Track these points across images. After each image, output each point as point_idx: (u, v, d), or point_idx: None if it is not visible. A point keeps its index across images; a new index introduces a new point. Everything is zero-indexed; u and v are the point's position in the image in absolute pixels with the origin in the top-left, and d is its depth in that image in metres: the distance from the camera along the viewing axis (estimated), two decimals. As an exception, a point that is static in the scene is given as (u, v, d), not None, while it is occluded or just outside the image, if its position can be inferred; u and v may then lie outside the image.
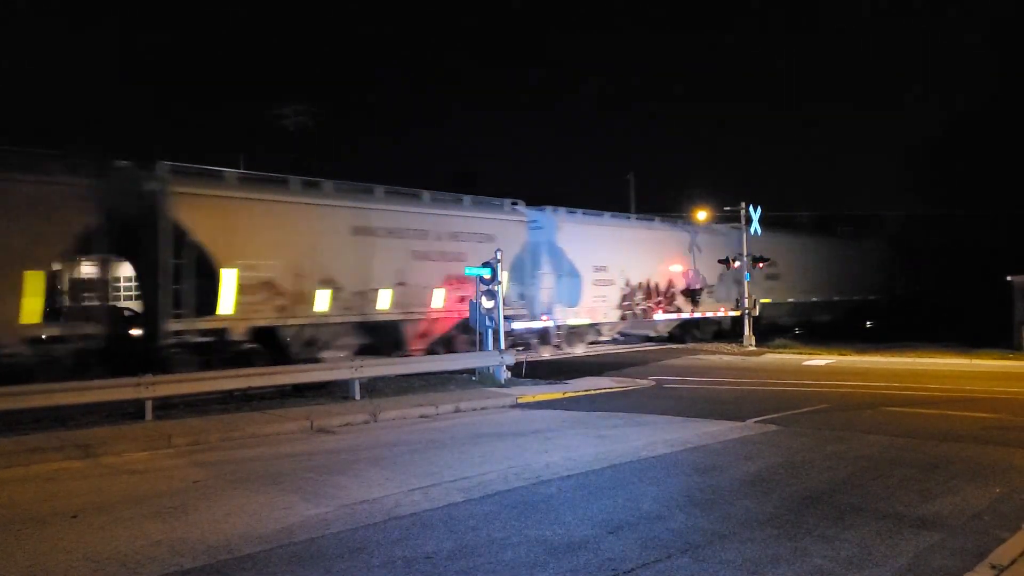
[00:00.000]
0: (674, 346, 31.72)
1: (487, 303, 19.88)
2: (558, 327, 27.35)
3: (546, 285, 26.61)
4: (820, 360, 25.68)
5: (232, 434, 12.92)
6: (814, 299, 39.69)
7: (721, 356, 28.12)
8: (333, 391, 17.13)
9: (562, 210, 28.03)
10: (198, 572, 6.51)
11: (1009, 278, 28.58)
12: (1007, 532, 7.28)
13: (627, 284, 29.53)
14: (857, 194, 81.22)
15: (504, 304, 20.33)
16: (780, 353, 28.68)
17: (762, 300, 33.64)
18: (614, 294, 29.08)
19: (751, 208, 33.01)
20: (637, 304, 29.62)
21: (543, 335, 27.06)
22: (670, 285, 31.72)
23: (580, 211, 29.11)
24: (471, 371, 19.91)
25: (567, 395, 17.87)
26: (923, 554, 6.74)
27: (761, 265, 32.26)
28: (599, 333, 29.71)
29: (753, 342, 31.05)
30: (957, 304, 40.40)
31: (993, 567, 6.37)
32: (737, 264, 31.73)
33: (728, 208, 34.04)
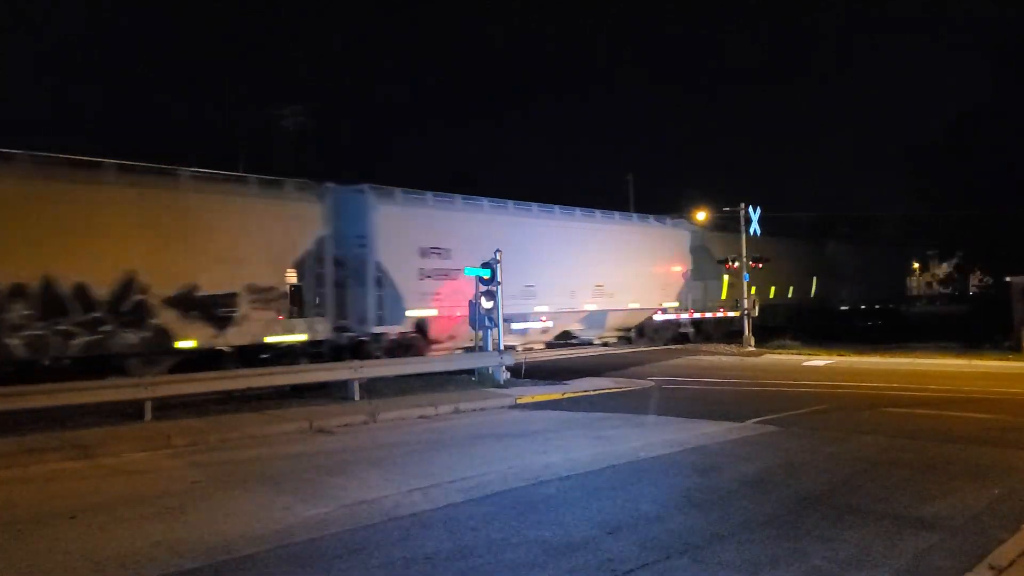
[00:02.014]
0: (674, 347, 31.74)
1: (486, 303, 19.88)
2: None
3: None
4: (819, 361, 25.70)
5: (231, 435, 12.92)
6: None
7: (720, 357, 28.15)
8: (332, 392, 17.12)
9: None
10: (197, 572, 6.51)
11: (1008, 279, 28.58)
12: (1006, 533, 7.28)
13: None
14: (854, 195, 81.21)
15: None
16: (779, 354, 28.73)
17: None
18: None
19: (751, 209, 33.09)
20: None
21: None
22: (129, 289, 16.63)
23: None
24: (470, 372, 19.90)
25: (566, 396, 17.86)
26: (922, 555, 6.74)
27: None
28: None
29: (752, 343, 31.10)
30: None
31: (992, 568, 6.37)
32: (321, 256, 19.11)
33: (727, 208, 34.02)
